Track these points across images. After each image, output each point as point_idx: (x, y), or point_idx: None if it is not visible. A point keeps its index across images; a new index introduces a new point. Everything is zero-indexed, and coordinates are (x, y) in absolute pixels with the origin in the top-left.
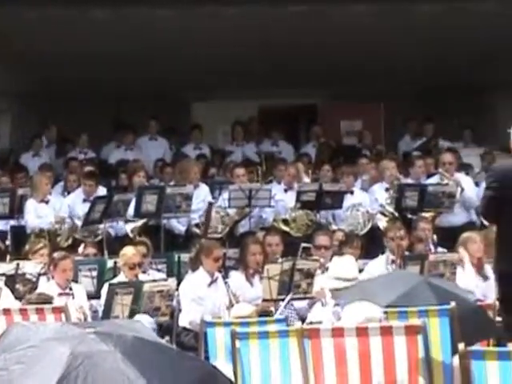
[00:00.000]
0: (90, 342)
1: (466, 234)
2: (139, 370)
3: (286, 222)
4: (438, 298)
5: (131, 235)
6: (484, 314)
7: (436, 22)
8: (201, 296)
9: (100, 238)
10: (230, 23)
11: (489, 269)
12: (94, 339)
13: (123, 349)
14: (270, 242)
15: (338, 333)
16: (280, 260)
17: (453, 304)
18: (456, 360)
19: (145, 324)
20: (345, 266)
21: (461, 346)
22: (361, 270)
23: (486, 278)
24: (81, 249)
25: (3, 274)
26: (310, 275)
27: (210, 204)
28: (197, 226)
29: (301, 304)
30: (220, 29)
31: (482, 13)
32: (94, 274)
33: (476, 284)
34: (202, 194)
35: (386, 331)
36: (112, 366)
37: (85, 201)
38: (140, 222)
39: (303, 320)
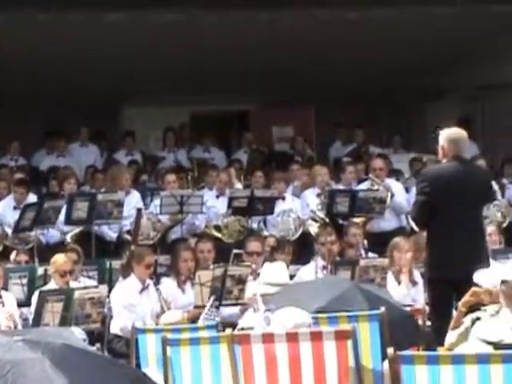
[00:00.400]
0: (18, 350)
1: (394, 241)
2: (68, 376)
3: (217, 228)
4: (368, 303)
5: (70, 242)
6: (413, 320)
7: (367, 26)
8: (132, 303)
9: (31, 245)
10: (162, 29)
11: (417, 274)
12: (22, 347)
13: (51, 356)
14: (201, 249)
15: (268, 338)
16: (212, 266)
17: (382, 309)
18: (386, 365)
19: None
20: (276, 271)
21: (390, 350)
22: (292, 276)
23: (414, 283)
24: (13, 256)
25: None
26: (241, 281)
27: (139, 210)
28: (128, 232)
29: (233, 310)
30: (151, 34)
31: (411, 21)
32: (25, 281)
33: (401, 291)
34: (133, 201)
35: (316, 336)
36: (40, 373)
37: (15, 208)
38: (77, 230)
39: (234, 326)
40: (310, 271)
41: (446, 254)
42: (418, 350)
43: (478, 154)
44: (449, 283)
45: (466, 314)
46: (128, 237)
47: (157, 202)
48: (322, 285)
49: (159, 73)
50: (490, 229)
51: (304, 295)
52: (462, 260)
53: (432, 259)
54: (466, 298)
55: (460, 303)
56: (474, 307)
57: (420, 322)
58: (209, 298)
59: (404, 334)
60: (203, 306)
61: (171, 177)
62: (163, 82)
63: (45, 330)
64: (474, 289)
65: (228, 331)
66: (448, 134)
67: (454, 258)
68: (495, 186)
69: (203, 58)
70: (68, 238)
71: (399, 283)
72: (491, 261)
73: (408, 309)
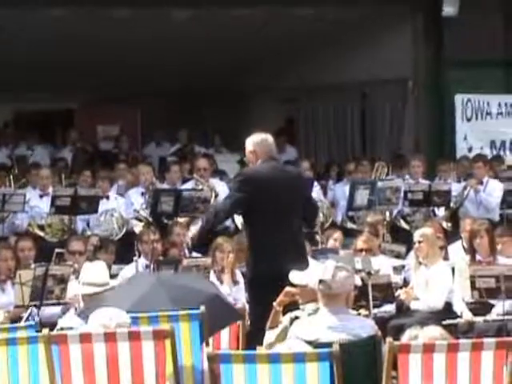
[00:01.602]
0: None
1: (216, 241)
2: None
3: (41, 227)
4: (171, 298)
5: None
6: (223, 299)
7: (196, 27)
8: None
9: None
10: None
11: (239, 273)
12: None
13: None
14: (22, 247)
15: (85, 338)
16: (33, 265)
17: (202, 308)
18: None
19: None
20: (95, 271)
21: (208, 349)
22: (115, 275)
23: (236, 282)
24: None
25: None
26: (63, 281)
27: None
28: None
29: (54, 310)
30: None
31: (239, 24)
32: None
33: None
34: None
35: (134, 336)
36: None
37: None
38: None
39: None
40: (133, 271)
41: (265, 254)
42: (238, 347)
43: (297, 158)
44: (267, 282)
45: (284, 313)
46: None
47: None
48: (128, 286)
49: None
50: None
51: (110, 301)
52: (279, 259)
53: (252, 259)
54: (281, 297)
55: (275, 303)
56: (291, 306)
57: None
58: (32, 300)
59: (217, 315)
60: (24, 306)
61: None
62: None
63: None
64: (287, 288)
65: (45, 331)
66: (255, 139)
67: (272, 258)
68: (316, 187)
69: (26, 54)
70: None
71: (221, 283)
72: (311, 260)
73: None
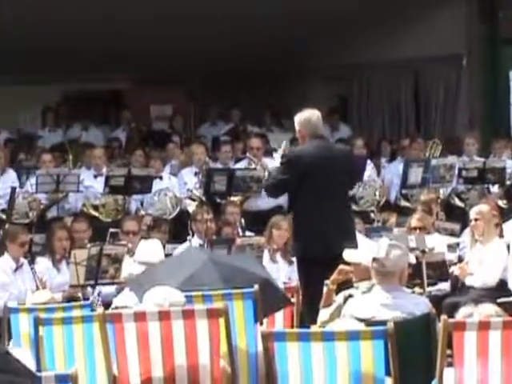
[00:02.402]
0: None
1: (273, 219)
2: None
3: (95, 207)
4: (222, 277)
5: None
6: (273, 284)
7: (247, 5)
8: (5, 282)
9: None
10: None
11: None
12: None
13: None
14: (77, 228)
15: (140, 317)
16: (88, 245)
17: (256, 287)
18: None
19: None
20: (150, 249)
21: (262, 328)
22: (169, 255)
23: (290, 262)
24: None
25: None
26: (117, 260)
27: (13, 189)
28: (3, 211)
29: (109, 289)
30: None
31: (290, 1)
32: None
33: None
34: (8, 180)
35: (189, 314)
36: None
37: None
38: None
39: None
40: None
41: (314, 233)
42: (293, 325)
43: (352, 135)
44: (318, 261)
45: (338, 291)
46: (2, 215)
47: (33, 180)
48: (178, 263)
49: (24, 49)
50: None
51: (160, 275)
52: (329, 238)
53: (300, 238)
54: (334, 275)
55: (329, 281)
56: (345, 284)
57: (293, 299)
58: (87, 280)
59: (267, 299)
60: (79, 285)
61: (47, 156)
62: (30, 59)
63: None
64: (340, 266)
65: (100, 310)
66: (300, 117)
67: (321, 237)
68: (369, 166)
69: (70, 34)
70: None
71: (274, 262)
72: (365, 238)
73: (283, 287)
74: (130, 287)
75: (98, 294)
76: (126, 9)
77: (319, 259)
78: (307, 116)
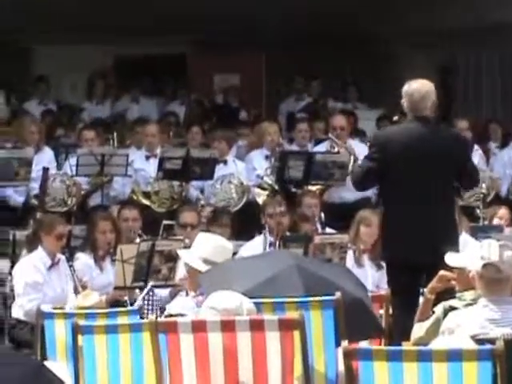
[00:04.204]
0: None
1: (361, 213)
2: None
3: (146, 194)
4: (305, 287)
5: None
6: (364, 306)
7: None
8: (39, 281)
9: None
10: None
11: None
12: None
13: None
14: (126, 217)
15: (199, 327)
16: (137, 240)
17: (338, 294)
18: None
19: None
20: (215, 245)
21: (345, 343)
22: (234, 254)
23: (379, 266)
24: None
25: None
26: (172, 258)
27: (46, 170)
28: (37, 197)
29: (161, 292)
30: None
31: None
32: None
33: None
34: (44, 159)
35: (257, 325)
36: None
37: None
38: None
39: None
40: (256, 248)
41: (408, 234)
42: (380, 342)
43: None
44: (413, 267)
45: (437, 302)
46: (37, 202)
47: (72, 161)
48: (256, 263)
49: (74, 6)
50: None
51: (231, 275)
52: (427, 241)
53: (391, 240)
54: (433, 283)
55: (426, 290)
56: (446, 294)
57: (382, 311)
58: (135, 281)
59: (353, 322)
60: (125, 287)
61: (90, 133)
62: (79, 17)
63: None
64: (441, 272)
65: (152, 317)
66: (406, 88)
67: (417, 239)
68: (477, 152)
69: None
70: None
71: (360, 266)
72: (469, 238)
73: (370, 295)
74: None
75: (150, 296)
76: None
77: (413, 265)
78: (413, 88)
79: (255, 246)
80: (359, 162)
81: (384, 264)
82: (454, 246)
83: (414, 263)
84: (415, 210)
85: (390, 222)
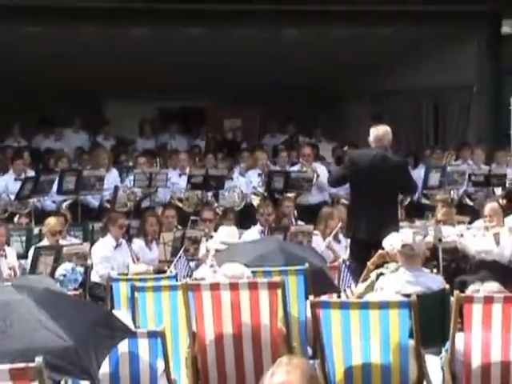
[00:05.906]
0: (8, 293)
1: (326, 211)
2: (49, 313)
3: (180, 199)
4: (285, 261)
5: (65, 209)
6: (324, 272)
7: (303, 46)
8: (108, 256)
9: (29, 210)
10: (136, 44)
11: (341, 236)
12: (11, 290)
13: (35, 297)
14: (167, 215)
15: (215, 287)
16: (174, 230)
17: (307, 265)
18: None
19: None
20: (229, 233)
21: (311, 297)
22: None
23: (338, 241)
24: (16, 219)
25: None
26: (196, 242)
27: (116, 187)
28: (108, 201)
29: (190, 264)
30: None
31: (337, 39)
32: (23, 239)
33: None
34: (112, 176)
35: (253, 286)
36: (26, 311)
37: (15, 179)
38: (70, 200)
39: (190, 277)
40: (253, 234)
41: (364, 222)
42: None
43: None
44: (366, 244)
45: (374, 270)
46: (107, 205)
47: (131, 177)
48: (253, 245)
49: (135, 75)
50: None
51: (238, 253)
52: (376, 227)
53: (354, 225)
54: (374, 258)
55: (369, 263)
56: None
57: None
58: (172, 256)
59: (317, 284)
60: (166, 261)
61: (142, 159)
62: (138, 82)
63: (29, 278)
64: (380, 251)
65: (183, 281)
66: (374, 129)
67: (370, 225)
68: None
69: (171, 69)
70: (64, 205)
71: (338, 241)
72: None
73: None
74: (217, 260)
75: (181, 259)
76: (216, 51)
77: (363, 244)
78: (378, 128)
79: (252, 233)
80: (320, 178)
81: (342, 240)
82: (393, 231)
83: (367, 241)
84: (370, 206)
85: (353, 213)
